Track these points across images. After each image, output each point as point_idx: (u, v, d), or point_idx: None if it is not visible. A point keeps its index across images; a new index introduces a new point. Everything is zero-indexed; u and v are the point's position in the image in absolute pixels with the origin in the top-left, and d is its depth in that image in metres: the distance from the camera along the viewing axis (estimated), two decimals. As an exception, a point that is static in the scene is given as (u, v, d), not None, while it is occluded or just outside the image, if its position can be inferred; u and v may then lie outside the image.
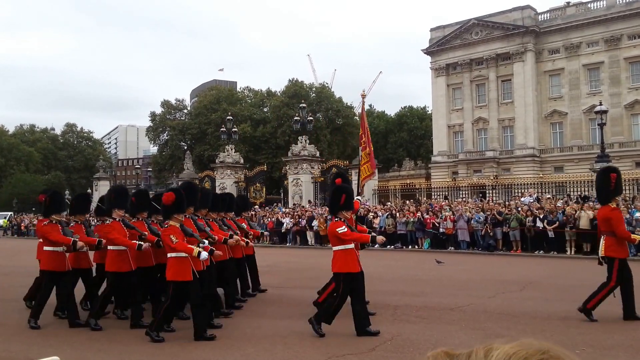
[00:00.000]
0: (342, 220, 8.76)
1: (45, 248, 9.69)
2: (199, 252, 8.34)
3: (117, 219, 9.63)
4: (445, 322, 9.40)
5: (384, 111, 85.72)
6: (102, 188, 51.52)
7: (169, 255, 8.48)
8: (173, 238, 8.30)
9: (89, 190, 54.25)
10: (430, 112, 69.71)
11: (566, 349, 0.89)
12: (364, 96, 13.33)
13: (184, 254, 8.32)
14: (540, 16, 56.94)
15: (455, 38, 59.65)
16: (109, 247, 9.47)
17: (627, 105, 51.25)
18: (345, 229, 8.64)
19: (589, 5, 54.02)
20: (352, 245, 8.74)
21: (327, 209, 9.25)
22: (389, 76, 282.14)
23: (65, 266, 9.67)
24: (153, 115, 76.90)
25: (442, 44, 60.42)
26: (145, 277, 10.01)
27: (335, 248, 8.73)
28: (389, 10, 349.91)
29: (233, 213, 12.21)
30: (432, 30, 62.72)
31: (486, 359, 0.85)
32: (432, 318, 9.75)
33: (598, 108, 32.01)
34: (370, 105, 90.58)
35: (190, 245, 8.43)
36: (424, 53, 62.68)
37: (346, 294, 8.62)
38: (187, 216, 9.45)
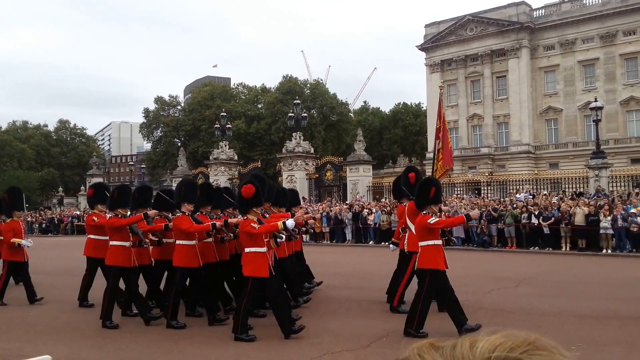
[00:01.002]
0: (430, 213, 8.46)
1: (112, 243, 9.50)
2: (284, 223, 8.18)
3: (187, 213, 9.34)
4: (440, 318, 9.32)
5: (379, 108, 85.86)
6: (95, 185, 51.30)
7: (246, 250, 8.22)
8: (255, 225, 8.06)
9: (82, 187, 54.00)
10: (424, 108, 69.71)
11: (553, 341, 0.88)
12: (441, 88, 12.93)
13: (261, 249, 8.09)
14: (535, 12, 57.02)
15: (450, 34, 59.67)
16: (178, 242, 9.23)
17: (623, 102, 51.37)
18: (437, 218, 8.44)
19: (584, 1, 54.08)
20: (440, 242, 8.51)
21: (414, 201, 8.95)
22: (383, 72, 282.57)
23: (131, 262, 9.49)
24: (147, 112, 76.73)
25: (436, 40, 60.42)
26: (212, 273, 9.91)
27: (422, 243, 8.44)
28: (383, 6, 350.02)
29: (284, 208, 11.76)
30: (426, 26, 62.71)
31: (472, 350, 0.85)
32: (428, 315, 9.65)
33: (593, 104, 32.01)
34: (364, 102, 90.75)
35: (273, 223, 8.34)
36: (419, 49, 62.69)
37: (432, 293, 8.39)
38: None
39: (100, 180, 53.60)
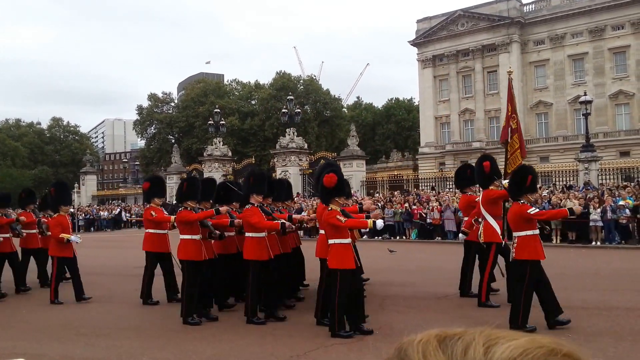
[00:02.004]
0: (527, 203, 8.15)
1: (183, 237, 9.30)
2: (374, 222, 8.05)
3: (256, 205, 9.20)
4: (433, 311, 9.52)
5: (372, 103, 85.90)
6: (89, 182, 51.50)
7: (330, 241, 8.06)
8: (341, 218, 7.88)
9: (76, 185, 54.04)
10: (417, 103, 69.95)
11: (580, 346, 0.75)
12: (510, 73, 12.95)
13: (346, 241, 7.99)
14: (525, 7, 57.25)
15: (442, 29, 59.81)
16: (247, 235, 9.09)
17: (612, 96, 51.73)
18: (537, 209, 8.14)
19: (573, -4, 54.38)
20: (538, 231, 8.28)
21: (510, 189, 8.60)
22: (376, 68, 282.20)
23: (202, 255, 9.35)
24: (140, 109, 76.46)
25: (428, 35, 60.56)
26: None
27: (519, 234, 8.15)
28: (375, 2, 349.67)
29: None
30: (418, 21, 62.78)
31: (485, 357, 0.71)
32: (420, 307, 9.86)
33: (583, 98, 32.35)
34: (357, 98, 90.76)
35: (362, 220, 8.22)
36: (411, 45, 62.77)
37: (533, 284, 8.10)
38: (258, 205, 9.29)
39: (94, 177, 53.88)
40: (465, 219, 11.00)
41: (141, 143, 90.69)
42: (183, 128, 71.70)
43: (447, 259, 15.55)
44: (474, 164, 11.30)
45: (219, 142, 44.92)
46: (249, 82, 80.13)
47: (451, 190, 32.19)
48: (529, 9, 57.06)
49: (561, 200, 21.63)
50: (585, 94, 33.55)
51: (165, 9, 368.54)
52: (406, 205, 25.97)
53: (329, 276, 8.23)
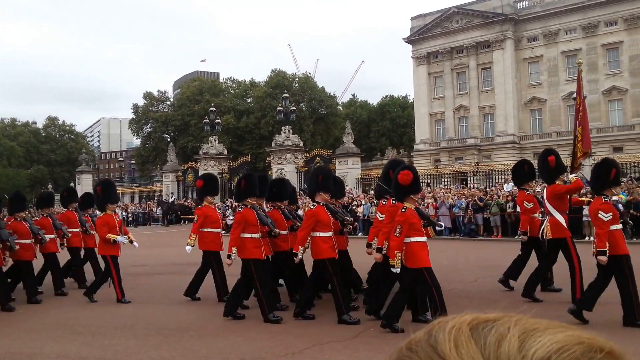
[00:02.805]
0: (609, 199, 7.98)
1: (244, 235, 9.14)
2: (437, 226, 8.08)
3: (322, 203, 9.00)
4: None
5: (367, 100, 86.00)
6: (85, 182, 51.41)
7: (406, 240, 7.93)
8: (398, 229, 7.81)
9: (72, 184, 53.97)
10: (411, 100, 70.06)
11: (618, 343, 0.72)
12: (579, 64, 12.83)
13: (423, 239, 7.99)
14: (519, 4, 57.28)
15: (436, 26, 59.87)
16: (313, 234, 8.82)
17: (605, 92, 51.90)
18: (611, 215, 7.94)
19: (566, -8, 54.53)
20: (621, 225, 8.19)
21: (591, 186, 8.67)
22: (371, 65, 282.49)
23: (262, 253, 9.31)
24: (135, 108, 76.34)
25: (422, 32, 60.61)
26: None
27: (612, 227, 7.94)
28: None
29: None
30: (413, 18, 62.84)
31: (520, 353, 0.67)
32: None
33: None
34: (352, 95, 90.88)
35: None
36: (405, 42, 62.82)
37: (633, 276, 7.94)
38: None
39: (90, 177, 53.72)
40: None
41: (137, 142, 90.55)
42: (179, 126, 71.64)
43: (442, 255, 15.63)
44: (528, 160, 11.53)
45: (215, 141, 44.99)
46: (245, 81, 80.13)
47: (446, 186, 32.41)
48: (523, 5, 57.14)
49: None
50: (578, 90, 33.65)
51: (160, 8, 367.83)
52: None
53: (407, 275, 8.08)
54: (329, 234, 8.86)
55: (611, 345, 0.69)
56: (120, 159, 78.39)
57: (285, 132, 38.72)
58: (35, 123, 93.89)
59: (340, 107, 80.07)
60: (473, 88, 57.95)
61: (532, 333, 0.70)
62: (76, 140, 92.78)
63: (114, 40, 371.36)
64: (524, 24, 55.81)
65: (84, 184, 53.52)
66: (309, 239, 8.82)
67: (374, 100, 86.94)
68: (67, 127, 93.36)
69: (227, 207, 33.05)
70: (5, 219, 11.74)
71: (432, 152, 58.93)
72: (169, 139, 70.00)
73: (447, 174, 38.02)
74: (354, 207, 26.59)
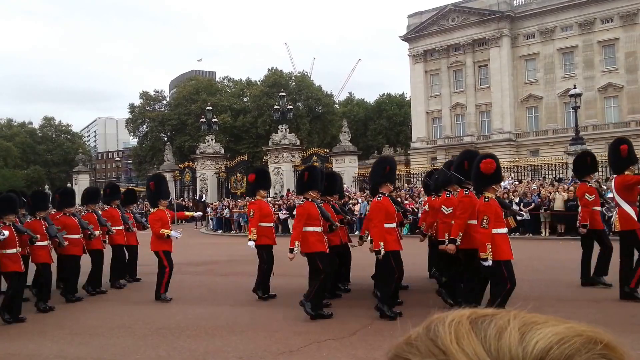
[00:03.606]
0: None
1: (307, 229, 8.98)
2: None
3: (387, 194, 8.81)
4: (424, 305, 9.36)
5: (363, 99, 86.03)
6: (81, 182, 51.37)
7: (493, 231, 7.77)
8: (485, 220, 7.68)
9: (69, 184, 53.89)
10: (408, 98, 70.08)
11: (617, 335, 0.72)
12: None
13: (504, 230, 7.86)
14: (515, 1, 57.38)
15: (432, 24, 59.91)
16: (386, 226, 8.72)
17: (601, 89, 52.01)
18: None
19: (562, -11, 54.59)
20: None
21: None
22: (367, 64, 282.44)
23: (326, 247, 9.14)
24: (132, 107, 76.26)
25: (419, 30, 60.63)
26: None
27: None
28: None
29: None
30: (409, 16, 62.86)
31: (521, 344, 0.68)
32: (411, 302, 9.81)
33: (572, 91, 32.51)
34: (349, 93, 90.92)
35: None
36: (402, 40, 62.85)
37: None
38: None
39: (87, 177, 53.67)
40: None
41: (133, 141, 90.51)
42: (175, 126, 71.58)
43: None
44: (590, 151, 11.45)
45: (212, 140, 44.95)
46: (241, 80, 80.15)
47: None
48: (519, 2, 57.21)
49: (550, 193, 21.82)
50: (574, 87, 33.74)
51: (156, 7, 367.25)
52: (399, 200, 26.10)
53: (496, 269, 7.91)
54: (393, 225, 8.82)
55: (609, 338, 0.70)
56: (117, 158, 78.02)
57: (282, 131, 38.71)
58: (31, 123, 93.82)
59: (337, 106, 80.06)
60: (469, 86, 58.01)
61: (531, 326, 0.70)
62: (73, 140, 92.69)
63: (110, 40, 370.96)
64: (520, 21, 55.87)
65: (81, 184, 53.45)
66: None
67: (370, 98, 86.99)
68: (64, 127, 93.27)
69: (223, 207, 33.04)
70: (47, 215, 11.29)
71: (429, 150, 58.97)
72: (165, 139, 69.92)
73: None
74: (350, 206, 26.58)
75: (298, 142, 40.66)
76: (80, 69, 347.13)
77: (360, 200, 27.69)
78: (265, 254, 10.70)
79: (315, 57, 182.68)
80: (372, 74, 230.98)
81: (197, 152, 45.21)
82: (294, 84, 71.30)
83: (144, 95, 76.95)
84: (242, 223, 31.28)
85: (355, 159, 37.29)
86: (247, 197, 29.85)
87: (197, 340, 7.85)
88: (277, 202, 30.98)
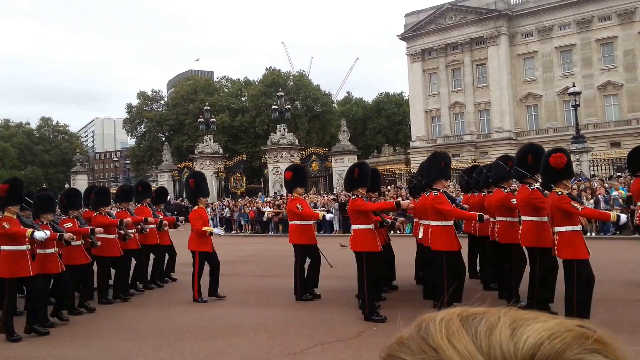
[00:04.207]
0: None
1: (356, 227, 8.88)
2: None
3: (442, 191, 8.62)
4: (430, 305, 9.46)
5: (362, 98, 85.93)
6: (79, 182, 51.15)
7: (563, 229, 7.57)
8: (577, 205, 7.45)
9: (67, 185, 53.67)
10: (407, 97, 69.99)
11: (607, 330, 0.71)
12: None
13: (578, 227, 7.61)
14: (512, -1, 57.43)
15: (430, 23, 59.86)
16: (433, 223, 8.64)
17: (600, 87, 51.96)
18: None
19: (560, -13, 54.53)
20: None
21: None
22: (365, 63, 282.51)
23: (378, 245, 8.94)
24: (129, 107, 76.09)
25: (417, 29, 60.59)
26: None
27: None
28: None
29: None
30: (406, 15, 62.85)
31: (512, 340, 0.68)
32: (418, 302, 9.76)
33: (571, 90, 32.45)
34: (348, 92, 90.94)
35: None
36: (400, 39, 62.81)
37: None
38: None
39: (85, 177, 53.42)
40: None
41: (131, 142, 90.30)
42: (173, 126, 71.40)
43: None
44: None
45: (210, 140, 44.81)
46: (239, 79, 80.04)
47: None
48: (516, 1, 57.23)
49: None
50: (573, 86, 33.66)
51: (153, 7, 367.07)
52: (399, 199, 25.94)
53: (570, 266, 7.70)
54: (450, 223, 8.66)
55: (600, 332, 0.69)
56: (114, 159, 78.07)
57: (280, 131, 38.58)
58: (28, 124, 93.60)
59: (335, 105, 79.95)
60: (468, 84, 57.96)
61: (522, 322, 0.70)
62: (70, 140, 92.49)
63: (106, 40, 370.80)
64: (518, 19, 55.83)
65: (79, 185, 53.28)
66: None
67: (369, 97, 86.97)
68: (61, 128, 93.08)
69: (223, 207, 32.91)
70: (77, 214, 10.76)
71: (429, 149, 58.60)
72: (163, 139, 69.72)
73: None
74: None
75: (297, 142, 40.55)
76: (78, 69, 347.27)
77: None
78: (309, 252, 10.47)
79: (313, 57, 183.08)
80: (371, 73, 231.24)
81: (195, 152, 45.09)
82: (292, 83, 71.17)
83: (142, 95, 76.75)
84: (242, 223, 31.19)
85: (355, 159, 37.04)
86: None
87: (199, 342, 7.78)
88: (276, 202, 30.88)
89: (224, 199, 36.16)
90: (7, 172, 74.75)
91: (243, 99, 74.55)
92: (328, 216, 11.64)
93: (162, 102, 79.15)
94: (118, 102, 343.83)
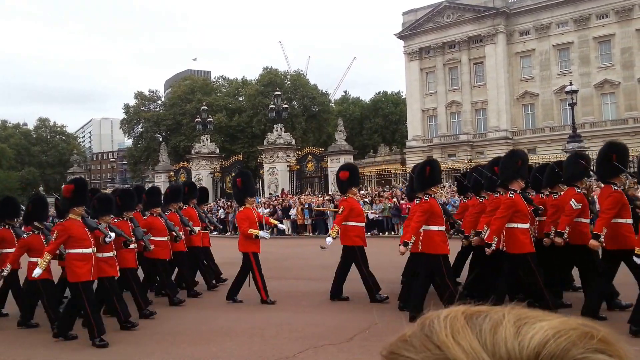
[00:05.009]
0: None
1: (430, 227, 8.69)
2: None
3: (519, 192, 8.36)
4: (425, 307, 9.47)
5: (359, 97, 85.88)
6: (76, 183, 51.03)
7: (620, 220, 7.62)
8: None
9: (63, 186, 53.46)
10: (404, 97, 69.97)
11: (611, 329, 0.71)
12: None
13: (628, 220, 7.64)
14: (510, -3, 57.39)
15: (428, 21, 59.83)
16: (512, 225, 8.28)
17: (597, 85, 51.95)
18: None
19: (557, -16, 54.51)
20: None
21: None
22: (363, 62, 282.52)
23: (448, 249, 8.84)
24: (127, 107, 76.00)
25: (414, 27, 60.54)
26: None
27: None
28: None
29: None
30: (404, 14, 62.79)
31: (517, 339, 0.68)
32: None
33: (568, 88, 32.44)
34: (345, 92, 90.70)
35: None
36: (397, 37, 62.77)
37: None
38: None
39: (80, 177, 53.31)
40: None
41: (128, 142, 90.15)
42: (170, 126, 71.34)
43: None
44: None
45: (207, 140, 44.74)
46: (236, 79, 79.91)
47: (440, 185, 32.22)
48: (514, -1, 57.19)
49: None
50: (570, 84, 33.65)
51: (150, 6, 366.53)
52: (394, 200, 25.98)
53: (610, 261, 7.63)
54: (527, 225, 8.39)
55: (604, 332, 0.69)
56: (112, 159, 77.82)
57: (277, 130, 38.51)
58: (26, 124, 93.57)
59: (332, 105, 79.90)
60: (465, 83, 57.95)
61: (526, 320, 0.70)
62: (67, 141, 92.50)
63: (104, 40, 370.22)
64: (516, 17, 55.82)
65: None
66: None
67: (366, 97, 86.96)
68: (58, 128, 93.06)
69: (218, 208, 32.84)
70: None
71: (425, 148, 58.82)
72: (160, 139, 69.61)
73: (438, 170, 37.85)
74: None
75: (293, 142, 40.47)
76: (75, 69, 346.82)
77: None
78: (357, 255, 10.22)
79: (310, 56, 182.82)
80: (368, 72, 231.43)
81: (192, 152, 44.99)
82: (289, 82, 71.15)
83: (139, 95, 76.69)
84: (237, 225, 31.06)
85: (351, 159, 37.03)
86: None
87: (192, 346, 7.78)
88: (272, 203, 30.81)
89: (219, 200, 36.08)
90: (4, 173, 74.76)
91: (240, 98, 74.46)
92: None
93: (160, 102, 79.07)
94: (115, 103, 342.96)
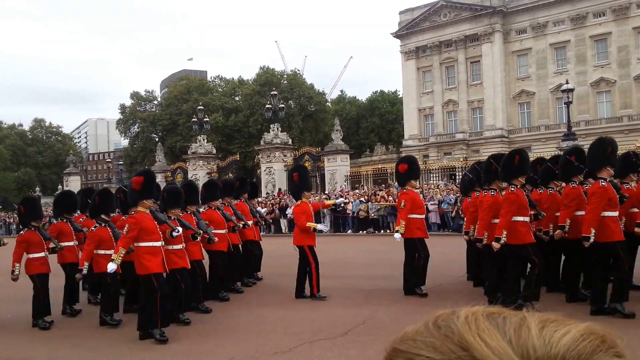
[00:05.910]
0: None
1: (517, 218, 8.58)
2: None
3: (608, 180, 8.12)
4: (418, 304, 9.47)
5: (355, 96, 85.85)
6: (72, 184, 51.04)
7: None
8: None
9: (60, 186, 53.47)
10: (401, 96, 70.02)
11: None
12: None
13: None
14: (507, -4, 57.48)
15: (424, 20, 59.89)
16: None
17: (593, 83, 52.10)
18: None
19: (554, -17, 54.62)
20: None
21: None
22: (359, 61, 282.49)
23: (533, 237, 8.79)
24: (123, 108, 75.93)
25: (411, 27, 60.62)
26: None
27: None
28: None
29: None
30: (400, 13, 62.88)
31: (544, 339, 0.68)
32: (404, 300, 9.85)
33: (564, 87, 32.46)
34: (341, 91, 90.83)
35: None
36: (394, 37, 62.83)
37: None
38: None
39: (78, 178, 53.24)
40: None
41: (125, 142, 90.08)
42: (167, 126, 71.30)
43: (431, 251, 15.59)
44: None
45: (203, 140, 44.73)
46: (233, 79, 79.91)
47: (433, 182, 32.35)
48: (511, -3, 57.28)
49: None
50: (567, 82, 33.70)
51: (146, 6, 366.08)
52: (390, 198, 26.02)
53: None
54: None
55: (619, 343, 0.70)
56: (108, 160, 77.59)
57: (274, 130, 38.53)
58: (21, 125, 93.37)
59: (329, 104, 79.90)
60: (462, 82, 58.04)
61: (548, 322, 0.70)
62: (63, 141, 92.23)
63: (99, 40, 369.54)
64: (512, 16, 55.93)
65: (72, 186, 53.15)
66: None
67: (363, 96, 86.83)
68: (54, 129, 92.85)
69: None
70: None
71: (421, 147, 58.88)
72: (157, 139, 69.56)
73: (435, 169, 37.99)
74: (342, 205, 26.47)
75: (290, 141, 40.50)
76: (70, 69, 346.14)
77: (352, 200, 27.53)
78: (418, 246, 10.22)
79: (307, 55, 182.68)
80: (364, 71, 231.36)
81: (188, 152, 44.99)
82: (285, 82, 71.11)
83: (135, 95, 76.61)
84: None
85: (347, 158, 37.14)
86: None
87: (189, 342, 7.82)
88: (269, 202, 30.85)
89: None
90: (0, 173, 74.56)
91: (237, 98, 74.45)
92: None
93: (156, 102, 79.02)
94: (111, 103, 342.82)
